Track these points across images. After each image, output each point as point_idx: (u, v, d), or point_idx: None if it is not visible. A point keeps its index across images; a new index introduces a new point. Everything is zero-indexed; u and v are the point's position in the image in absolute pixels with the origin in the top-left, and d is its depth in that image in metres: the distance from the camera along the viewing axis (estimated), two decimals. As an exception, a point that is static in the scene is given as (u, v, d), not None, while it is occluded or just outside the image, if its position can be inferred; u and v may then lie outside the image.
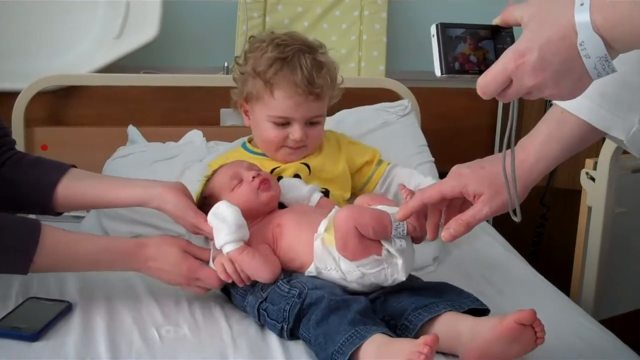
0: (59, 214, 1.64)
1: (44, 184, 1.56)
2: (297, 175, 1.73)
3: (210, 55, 2.61)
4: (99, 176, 1.67)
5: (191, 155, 2.03)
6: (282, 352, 1.37)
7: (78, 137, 2.33)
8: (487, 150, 2.81)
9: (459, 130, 2.77)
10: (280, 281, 1.46)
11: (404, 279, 1.42)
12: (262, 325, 1.48)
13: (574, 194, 2.21)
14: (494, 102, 2.73)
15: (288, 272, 1.50)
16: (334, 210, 1.49)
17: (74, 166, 1.64)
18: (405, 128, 2.15)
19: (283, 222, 1.55)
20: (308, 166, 1.75)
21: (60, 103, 2.46)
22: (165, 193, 1.55)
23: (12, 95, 2.23)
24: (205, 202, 1.62)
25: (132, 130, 2.21)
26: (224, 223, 1.46)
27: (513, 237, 2.08)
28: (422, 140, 2.18)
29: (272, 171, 1.73)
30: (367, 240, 1.39)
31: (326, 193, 1.74)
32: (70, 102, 2.47)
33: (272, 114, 1.70)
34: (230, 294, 1.57)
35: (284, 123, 1.71)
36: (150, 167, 1.97)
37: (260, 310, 1.46)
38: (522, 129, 2.46)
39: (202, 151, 2.06)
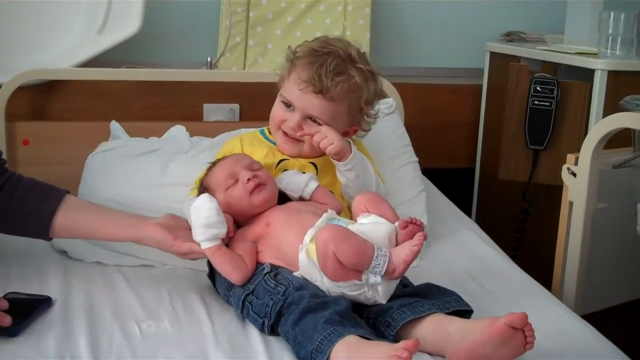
0: (51, 239, 1.64)
1: (41, 215, 1.58)
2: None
3: (193, 50, 2.61)
4: (93, 208, 1.66)
5: (174, 149, 2.02)
6: (264, 348, 1.37)
7: (60, 132, 2.31)
8: (470, 146, 2.82)
9: (442, 126, 2.78)
10: (267, 275, 1.46)
11: (384, 302, 1.40)
12: (243, 319, 1.48)
13: (556, 190, 2.23)
14: (477, 97, 2.78)
15: (276, 267, 1.49)
16: (324, 216, 1.48)
17: (68, 191, 1.65)
18: (390, 127, 2.15)
19: (272, 221, 1.55)
20: (316, 166, 1.74)
21: (42, 98, 2.45)
22: (147, 234, 1.57)
23: (-6, 90, 2.22)
24: (203, 192, 1.62)
25: (114, 125, 2.20)
26: (197, 220, 1.48)
27: (495, 232, 2.09)
28: (407, 139, 2.18)
29: (279, 162, 1.73)
30: (346, 267, 1.37)
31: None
32: (52, 96, 2.45)
33: (282, 94, 1.73)
34: (216, 280, 1.57)
35: (288, 106, 1.71)
36: (134, 160, 1.95)
37: (246, 302, 1.46)
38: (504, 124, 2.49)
39: (185, 146, 2.05)
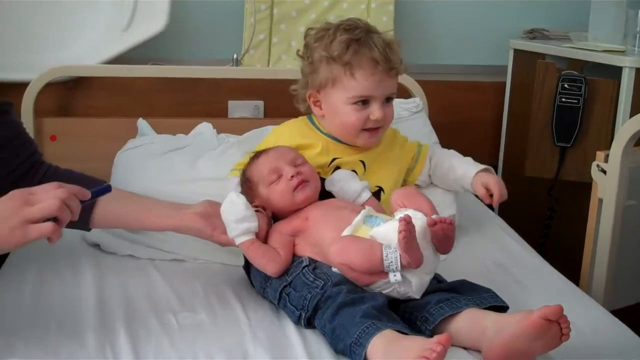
0: (91, 229, 1.66)
1: (82, 206, 1.58)
2: (353, 171, 1.70)
3: (217, 47, 2.62)
4: (132, 198, 1.67)
5: (202, 146, 2.03)
6: (301, 343, 1.37)
7: (86, 128, 2.34)
8: (492, 143, 2.82)
9: (464, 123, 2.77)
10: (305, 268, 1.47)
11: (418, 297, 1.40)
12: (278, 315, 1.48)
13: (582, 187, 2.23)
14: (500, 95, 2.77)
15: (314, 260, 1.50)
16: (361, 214, 1.48)
17: (104, 182, 1.67)
18: (417, 126, 2.16)
19: (311, 216, 1.56)
20: (364, 164, 1.74)
21: (69, 94, 2.46)
22: (185, 224, 1.60)
23: (22, 87, 2.23)
24: (245, 184, 1.64)
25: (141, 123, 2.22)
26: (228, 217, 1.51)
27: (520, 229, 2.09)
28: (434, 137, 2.19)
29: (332, 161, 1.72)
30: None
31: (378, 192, 1.73)
32: (79, 93, 2.47)
33: (352, 95, 1.67)
34: (251, 272, 1.58)
35: (364, 102, 1.68)
36: (163, 157, 1.97)
37: (283, 294, 1.47)
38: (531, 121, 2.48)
39: (212, 142, 2.06)
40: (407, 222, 1.32)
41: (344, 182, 1.64)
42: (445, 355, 1.18)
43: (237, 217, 1.50)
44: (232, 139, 2.09)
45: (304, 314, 1.41)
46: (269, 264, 1.50)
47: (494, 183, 1.77)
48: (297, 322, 1.43)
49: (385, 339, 1.26)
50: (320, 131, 1.77)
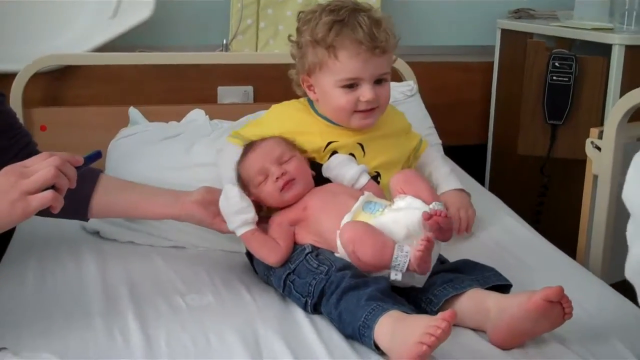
0: (88, 219, 1.65)
1: (78, 196, 1.55)
2: (350, 155, 1.69)
3: (204, 34, 2.60)
4: (129, 187, 1.66)
5: (196, 132, 2.02)
6: (309, 323, 1.39)
7: (76, 117, 2.32)
8: (481, 122, 2.83)
9: (453, 103, 2.78)
10: (308, 255, 1.47)
11: (420, 286, 1.41)
12: (283, 297, 1.49)
13: (574, 164, 2.25)
14: (487, 75, 2.78)
15: (316, 247, 1.50)
16: (360, 200, 1.48)
17: (102, 171, 1.67)
18: (412, 110, 2.14)
19: (309, 205, 1.55)
20: (362, 147, 1.72)
21: (57, 84, 2.44)
22: (185, 213, 1.60)
23: (9, 77, 2.21)
24: (239, 181, 1.63)
25: (133, 111, 2.20)
26: (226, 210, 1.52)
27: (513, 207, 2.10)
28: (429, 122, 2.19)
29: (327, 145, 1.70)
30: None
31: (376, 178, 1.71)
32: (67, 82, 2.45)
33: (339, 78, 1.65)
34: (254, 259, 1.58)
35: (353, 85, 1.65)
36: (158, 144, 1.96)
37: (287, 282, 1.47)
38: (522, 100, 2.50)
39: (206, 129, 2.05)
40: (428, 242, 1.33)
41: (340, 168, 1.63)
42: (450, 332, 1.20)
43: (234, 209, 1.51)
44: (226, 124, 2.08)
45: (309, 300, 1.41)
46: (269, 254, 1.50)
47: (472, 213, 1.80)
48: (304, 308, 1.43)
49: (392, 319, 1.26)
50: (318, 114, 1.75)
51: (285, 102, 1.83)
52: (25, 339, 1.30)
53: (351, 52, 1.62)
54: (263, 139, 1.65)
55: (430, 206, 1.41)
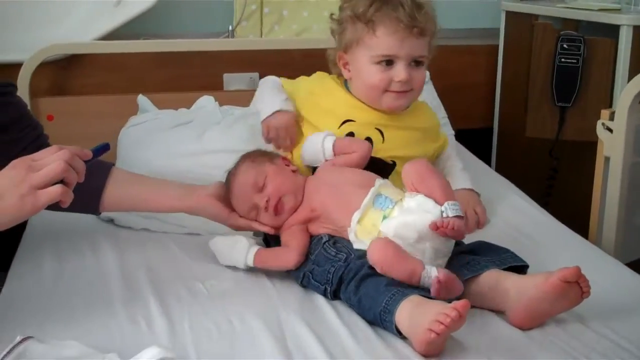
0: (100, 213, 1.64)
1: (90, 189, 1.54)
2: (367, 139, 1.68)
3: (208, 20, 2.61)
4: (141, 180, 1.64)
5: (206, 120, 2.02)
6: (331, 307, 1.39)
7: (83, 106, 2.31)
8: (486, 105, 2.83)
9: (458, 87, 2.78)
10: (326, 244, 1.47)
11: None
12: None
13: (583, 146, 2.25)
14: (493, 57, 2.77)
15: (332, 235, 1.50)
16: (370, 193, 1.46)
17: (113, 164, 1.65)
18: (427, 99, 2.12)
19: (316, 206, 1.53)
20: (382, 133, 1.71)
21: (63, 73, 2.42)
22: (199, 205, 1.58)
23: (15, 67, 2.19)
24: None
25: (142, 99, 2.19)
26: (224, 260, 1.54)
27: (523, 189, 2.11)
28: (443, 111, 2.18)
29: (343, 123, 1.69)
30: None
31: (392, 165, 1.69)
32: (72, 71, 2.43)
33: (375, 54, 1.64)
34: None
35: (388, 62, 1.64)
36: (169, 132, 1.96)
37: (306, 272, 1.46)
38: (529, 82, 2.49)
39: (216, 116, 2.05)
40: (440, 285, 1.30)
41: (308, 150, 1.64)
42: (462, 322, 1.20)
43: (230, 256, 1.52)
44: (237, 111, 2.07)
45: (329, 288, 1.42)
46: (287, 263, 1.48)
47: (482, 211, 1.78)
48: (323, 295, 1.43)
49: (412, 304, 1.27)
50: (348, 91, 1.74)
51: (322, 74, 1.83)
52: (49, 327, 1.30)
53: (389, 29, 1.62)
54: (230, 172, 1.61)
55: (442, 208, 1.39)
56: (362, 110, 1.72)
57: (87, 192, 1.55)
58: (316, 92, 1.74)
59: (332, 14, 1.76)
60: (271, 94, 1.81)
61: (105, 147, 1.35)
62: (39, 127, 1.65)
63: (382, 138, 1.71)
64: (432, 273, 1.32)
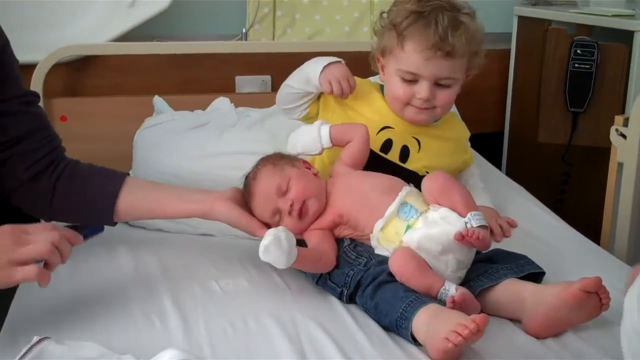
0: (116, 223, 1.62)
1: (104, 198, 1.55)
2: (405, 147, 1.68)
3: (221, 23, 2.60)
4: (155, 186, 1.63)
5: (223, 121, 2.02)
6: (345, 310, 1.40)
7: (96, 108, 2.32)
8: (498, 110, 2.82)
9: (469, 91, 2.76)
10: (346, 247, 1.47)
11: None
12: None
13: (596, 151, 2.25)
14: (505, 62, 2.77)
15: (353, 239, 1.50)
16: (396, 202, 1.45)
17: (127, 174, 1.64)
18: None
19: (343, 212, 1.51)
20: (419, 142, 1.70)
21: (76, 74, 2.43)
22: (216, 209, 1.54)
23: (30, 68, 2.19)
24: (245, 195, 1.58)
25: (158, 100, 2.20)
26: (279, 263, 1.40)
27: (535, 195, 2.11)
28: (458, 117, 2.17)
29: (382, 129, 1.68)
30: None
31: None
32: (86, 72, 2.44)
33: (401, 68, 1.63)
34: None
35: (412, 80, 1.63)
36: (186, 133, 1.96)
37: (323, 273, 1.46)
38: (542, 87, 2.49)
39: (232, 118, 2.05)
40: (454, 305, 1.30)
41: (302, 140, 1.60)
42: (480, 335, 1.20)
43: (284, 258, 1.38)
44: (254, 113, 2.08)
45: (345, 291, 1.42)
46: (323, 268, 1.46)
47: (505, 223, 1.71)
48: (338, 298, 1.44)
49: (430, 312, 1.27)
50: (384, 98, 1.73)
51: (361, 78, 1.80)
52: (64, 327, 1.31)
53: (416, 47, 1.60)
54: (250, 177, 1.58)
55: (466, 219, 1.38)
56: (398, 121, 1.70)
57: (102, 200, 1.56)
58: (361, 89, 1.71)
59: (382, 12, 1.73)
60: (314, 60, 1.75)
61: (99, 229, 1.41)
62: (56, 139, 1.63)
63: (418, 147, 1.70)
64: (450, 291, 1.32)
